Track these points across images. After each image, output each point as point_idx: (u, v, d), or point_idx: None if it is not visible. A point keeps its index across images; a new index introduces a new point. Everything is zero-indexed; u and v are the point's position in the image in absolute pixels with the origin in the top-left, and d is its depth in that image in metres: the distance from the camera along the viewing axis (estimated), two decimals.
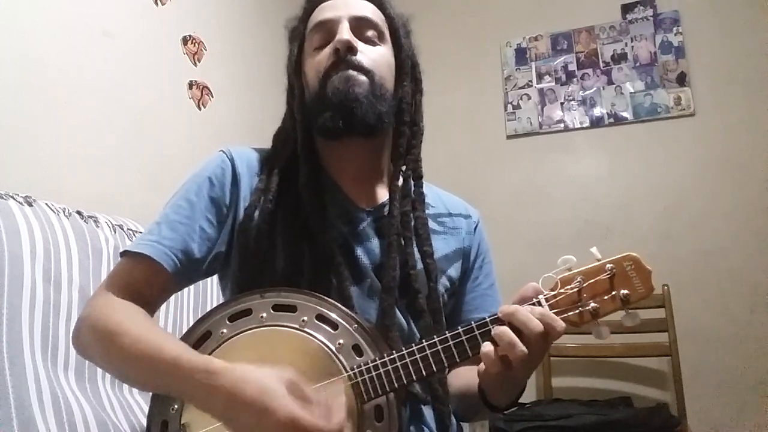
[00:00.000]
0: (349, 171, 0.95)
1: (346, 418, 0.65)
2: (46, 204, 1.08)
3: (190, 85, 1.90)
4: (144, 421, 0.77)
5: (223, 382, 0.64)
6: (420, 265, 0.88)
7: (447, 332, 0.73)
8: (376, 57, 0.90)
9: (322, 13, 0.92)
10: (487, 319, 0.72)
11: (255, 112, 2.14)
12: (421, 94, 0.99)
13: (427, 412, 0.87)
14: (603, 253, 0.74)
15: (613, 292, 0.72)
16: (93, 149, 1.46)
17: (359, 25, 0.90)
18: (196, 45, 1.95)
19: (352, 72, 0.86)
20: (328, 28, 0.90)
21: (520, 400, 0.86)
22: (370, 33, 0.91)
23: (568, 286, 0.73)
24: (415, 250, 0.89)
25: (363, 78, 0.87)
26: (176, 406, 0.74)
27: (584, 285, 0.72)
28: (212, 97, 1.99)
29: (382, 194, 0.96)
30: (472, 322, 0.72)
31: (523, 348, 0.68)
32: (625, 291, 0.72)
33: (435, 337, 0.73)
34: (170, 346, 0.71)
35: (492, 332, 0.71)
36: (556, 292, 0.73)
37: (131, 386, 1.06)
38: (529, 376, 0.79)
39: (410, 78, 0.95)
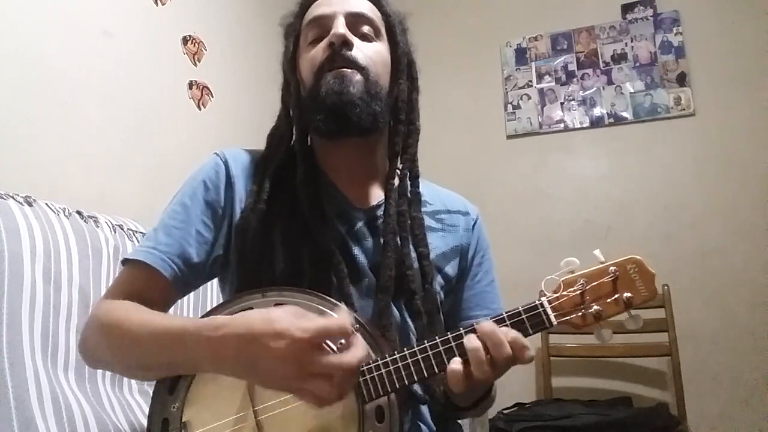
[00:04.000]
0: (344, 169, 0.95)
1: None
2: (46, 204, 1.07)
3: (190, 85, 1.90)
4: (144, 421, 0.77)
5: (231, 329, 0.66)
6: (416, 266, 0.88)
7: (449, 333, 0.72)
8: (372, 53, 0.90)
9: (317, 9, 0.92)
10: (489, 320, 0.72)
11: (255, 112, 2.14)
12: (418, 92, 0.98)
13: (427, 411, 0.87)
14: (603, 253, 0.74)
15: (616, 295, 0.72)
16: (93, 149, 1.46)
17: (355, 21, 0.90)
18: (196, 45, 1.95)
19: (346, 70, 0.86)
20: (324, 23, 0.90)
21: (520, 401, 0.86)
22: (366, 29, 0.91)
23: (571, 289, 0.72)
24: (412, 250, 0.89)
25: (358, 76, 0.86)
26: (177, 405, 0.74)
27: (587, 287, 0.72)
28: (212, 97, 1.99)
29: (379, 193, 0.96)
30: (474, 323, 0.72)
31: (488, 368, 0.69)
32: (628, 294, 0.71)
33: (437, 337, 0.72)
34: (173, 320, 0.74)
35: (464, 343, 0.70)
36: (559, 294, 0.72)
37: (143, 377, 1.04)
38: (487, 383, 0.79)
39: (406, 76, 0.95)
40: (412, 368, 0.71)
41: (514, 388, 2.30)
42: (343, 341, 0.67)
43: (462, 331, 0.72)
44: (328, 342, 0.66)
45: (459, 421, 0.98)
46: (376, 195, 0.96)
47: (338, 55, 0.86)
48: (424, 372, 0.71)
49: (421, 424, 0.86)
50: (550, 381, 2.33)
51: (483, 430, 1.91)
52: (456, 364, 0.70)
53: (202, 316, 0.79)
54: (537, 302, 0.73)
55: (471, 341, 0.70)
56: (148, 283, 0.83)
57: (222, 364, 0.68)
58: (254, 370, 0.66)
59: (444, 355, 0.71)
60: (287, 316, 0.65)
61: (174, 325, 0.72)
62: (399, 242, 0.88)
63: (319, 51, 0.89)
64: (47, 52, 1.35)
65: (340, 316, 0.68)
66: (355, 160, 0.95)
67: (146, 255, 0.83)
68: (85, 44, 1.47)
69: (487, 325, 0.70)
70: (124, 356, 0.79)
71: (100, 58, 1.52)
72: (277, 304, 0.77)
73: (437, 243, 0.95)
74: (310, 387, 0.64)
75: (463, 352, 0.71)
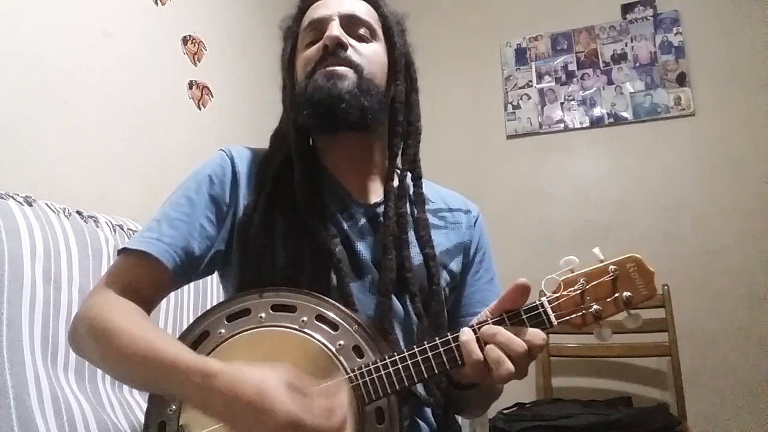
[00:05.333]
0: (345, 165, 0.95)
1: (346, 416, 0.65)
2: (46, 204, 1.07)
3: (190, 85, 1.90)
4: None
5: (221, 383, 0.63)
6: (417, 267, 0.88)
7: (449, 334, 0.72)
8: (368, 54, 0.90)
9: (314, 12, 0.93)
10: (490, 322, 0.72)
11: (255, 112, 2.14)
12: (417, 93, 0.98)
13: (428, 411, 0.87)
14: (603, 253, 0.74)
15: (616, 295, 0.71)
16: (93, 149, 1.46)
17: (351, 22, 0.90)
18: (196, 45, 1.95)
19: (338, 68, 0.86)
20: (320, 26, 0.91)
21: (520, 401, 0.85)
22: (362, 31, 0.91)
23: (571, 288, 0.72)
24: (413, 251, 0.89)
25: (350, 73, 0.86)
26: (174, 407, 0.73)
27: (587, 287, 0.72)
28: (212, 97, 1.99)
29: (380, 190, 0.96)
30: (475, 325, 0.72)
31: (510, 367, 0.68)
32: (628, 293, 0.71)
33: (437, 338, 0.72)
34: (167, 346, 0.70)
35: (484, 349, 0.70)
36: (559, 294, 0.72)
37: (128, 386, 1.06)
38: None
39: (404, 76, 0.95)
40: (412, 370, 0.71)
41: (514, 388, 2.29)
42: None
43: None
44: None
45: (459, 422, 0.98)
46: (378, 191, 0.96)
47: (332, 55, 0.87)
48: (424, 373, 0.71)
49: (424, 423, 0.86)
50: (550, 381, 2.33)
51: (483, 430, 1.90)
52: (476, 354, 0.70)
53: (199, 317, 0.79)
54: (537, 302, 0.72)
55: (464, 334, 0.70)
56: (148, 274, 0.82)
57: (205, 411, 0.67)
58: (237, 429, 0.65)
59: (444, 356, 0.71)
60: (280, 389, 0.62)
61: (164, 355, 0.69)
62: (399, 244, 0.87)
63: (313, 52, 0.90)
64: (47, 52, 1.35)
65: (337, 417, 0.64)
66: (354, 156, 0.95)
67: (150, 245, 0.82)
68: (85, 44, 1.47)
69: (489, 327, 0.70)
70: (109, 367, 0.79)
71: (100, 58, 1.52)
72: (274, 306, 0.77)
73: (441, 240, 0.95)
74: None
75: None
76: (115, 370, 0.79)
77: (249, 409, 0.62)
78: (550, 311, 0.72)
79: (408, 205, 0.92)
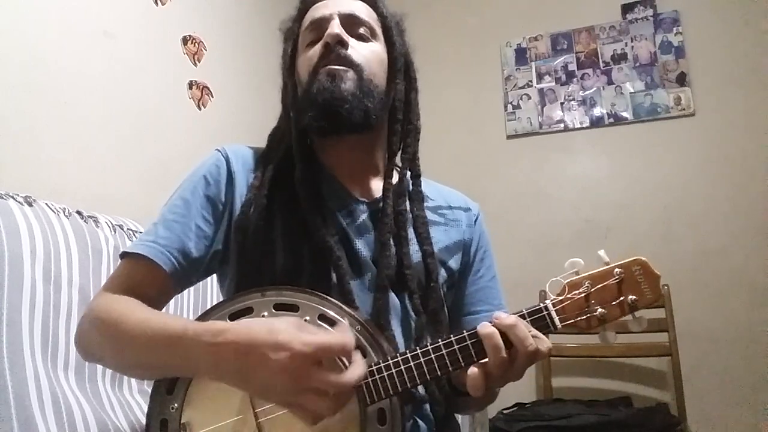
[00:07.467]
0: (345, 165, 0.96)
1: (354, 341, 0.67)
2: (46, 204, 1.07)
3: (190, 85, 1.90)
4: (144, 421, 0.77)
5: (232, 335, 0.65)
6: (415, 264, 0.88)
7: (452, 335, 0.72)
8: (368, 53, 0.91)
9: (315, 12, 0.94)
10: (493, 323, 0.71)
11: (255, 112, 2.14)
12: (416, 92, 0.99)
13: (427, 410, 0.87)
14: (604, 253, 0.73)
15: (621, 298, 0.71)
16: (93, 149, 1.46)
17: (351, 22, 0.91)
18: (196, 45, 1.94)
19: (339, 68, 0.87)
20: (320, 25, 0.91)
21: (520, 401, 0.85)
22: (362, 30, 0.92)
23: (576, 291, 0.71)
24: (412, 249, 0.89)
25: (351, 74, 0.87)
26: (176, 405, 0.74)
27: (592, 290, 0.71)
28: (212, 97, 1.99)
29: (381, 187, 0.96)
30: (477, 326, 0.71)
31: (505, 356, 0.68)
32: (633, 297, 0.70)
33: (440, 340, 0.72)
34: (174, 320, 0.73)
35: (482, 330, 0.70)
36: (564, 297, 0.71)
37: (139, 376, 1.03)
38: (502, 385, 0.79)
39: (404, 75, 0.96)
40: (414, 371, 0.71)
41: (515, 388, 2.29)
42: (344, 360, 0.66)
43: (465, 334, 0.71)
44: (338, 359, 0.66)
45: (459, 422, 0.97)
46: (379, 188, 0.96)
47: (333, 53, 0.88)
48: (427, 375, 0.71)
49: (421, 422, 0.86)
50: (550, 381, 2.33)
51: (483, 430, 1.90)
52: (474, 367, 0.70)
53: (200, 316, 0.79)
54: (542, 305, 0.72)
55: (485, 327, 0.70)
56: (147, 277, 0.83)
57: (219, 372, 0.67)
58: (251, 380, 0.65)
59: (447, 358, 0.71)
60: (289, 328, 0.64)
61: (173, 326, 0.70)
62: (398, 241, 0.88)
63: (315, 51, 0.90)
64: (48, 53, 1.35)
65: (343, 334, 0.67)
66: (355, 157, 0.96)
67: (146, 248, 0.83)
68: (85, 44, 1.47)
69: (507, 317, 0.70)
70: (119, 355, 0.78)
71: (100, 58, 1.52)
72: (276, 305, 0.77)
73: (440, 237, 0.95)
74: (304, 401, 0.64)
75: (467, 355, 0.70)
76: (123, 357, 0.78)
77: (264, 350, 0.63)
78: (554, 314, 0.71)
79: (407, 202, 0.93)
